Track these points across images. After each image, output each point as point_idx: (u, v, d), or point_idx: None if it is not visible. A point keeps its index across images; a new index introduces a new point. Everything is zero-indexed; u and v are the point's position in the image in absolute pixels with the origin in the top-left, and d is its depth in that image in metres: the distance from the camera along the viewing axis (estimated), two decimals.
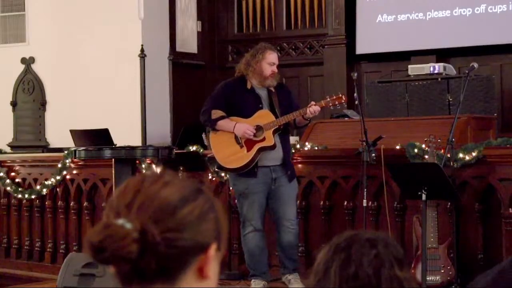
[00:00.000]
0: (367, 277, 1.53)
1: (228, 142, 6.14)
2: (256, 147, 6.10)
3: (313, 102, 6.18)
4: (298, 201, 6.53)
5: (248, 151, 6.11)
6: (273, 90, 6.22)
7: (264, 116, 6.14)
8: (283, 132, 6.22)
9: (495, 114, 8.16)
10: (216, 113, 6.16)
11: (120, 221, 1.40)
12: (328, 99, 6.27)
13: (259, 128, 6.11)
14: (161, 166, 7.38)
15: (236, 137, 6.12)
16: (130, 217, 1.41)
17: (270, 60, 6.18)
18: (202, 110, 6.28)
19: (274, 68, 6.20)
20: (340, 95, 6.27)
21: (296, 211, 6.31)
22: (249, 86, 6.20)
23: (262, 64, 6.16)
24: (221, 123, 6.14)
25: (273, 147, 6.11)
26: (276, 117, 6.13)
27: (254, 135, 6.09)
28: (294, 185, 6.23)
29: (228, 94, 6.23)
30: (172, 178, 1.47)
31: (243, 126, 6.09)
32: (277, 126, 6.13)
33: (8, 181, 8.38)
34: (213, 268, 1.46)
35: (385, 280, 1.55)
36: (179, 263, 1.42)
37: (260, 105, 6.18)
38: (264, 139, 6.11)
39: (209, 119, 6.16)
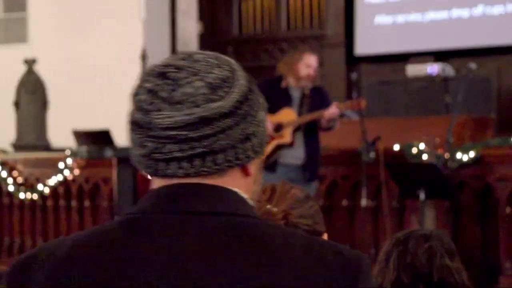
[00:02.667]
0: (421, 266, 1.77)
1: None
2: (274, 143, 6.17)
3: (335, 103, 6.22)
4: None
5: None
6: (307, 92, 6.27)
7: (287, 114, 6.20)
8: (308, 133, 6.24)
9: (493, 115, 8.22)
10: None
11: (268, 206, 1.81)
12: (348, 103, 6.34)
13: (279, 125, 6.18)
14: None
15: None
16: (273, 207, 1.81)
17: (307, 62, 6.23)
18: None
19: (311, 71, 6.24)
20: (360, 100, 6.31)
21: None
22: (284, 85, 6.27)
23: (299, 65, 6.22)
24: None
25: (290, 144, 6.16)
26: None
27: (274, 132, 6.16)
28: (311, 187, 6.25)
29: (261, 91, 6.29)
30: (290, 188, 1.91)
31: None
32: (297, 125, 6.19)
33: (10, 181, 8.42)
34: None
35: (437, 269, 1.81)
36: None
37: (290, 105, 6.24)
38: (282, 136, 6.17)
39: None
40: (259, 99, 1.33)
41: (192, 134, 1.23)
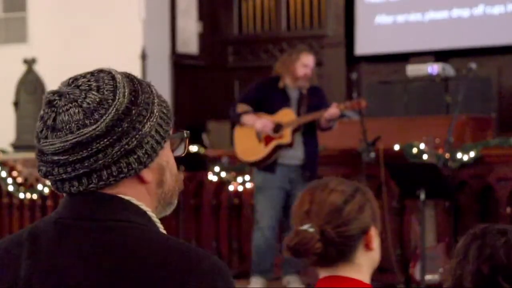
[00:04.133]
0: (499, 258, 1.89)
1: (249, 137, 6.23)
2: (273, 144, 6.17)
3: (334, 104, 6.22)
4: None
5: (265, 146, 6.19)
6: (305, 92, 6.27)
7: (286, 115, 6.20)
8: (307, 133, 6.25)
9: (493, 115, 8.21)
10: (241, 108, 6.25)
11: (305, 227, 1.95)
12: (348, 103, 6.34)
13: (279, 126, 6.18)
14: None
15: (258, 132, 6.21)
16: (311, 222, 1.95)
17: (304, 62, 6.23)
18: (232, 104, 6.43)
19: (308, 70, 6.24)
20: (360, 100, 6.31)
21: None
22: (281, 85, 6.27)
23: (296, 65, 6.21)
24: (245, 118, 6.23)
25: (289, 145, 6.16)
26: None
27: (273, 132, 6.15)
28: None
29: (259, 91, 6.31)
30: (335, 185, 2.00)
31: (263, 122, 6.16)
32: (296, 126, 6.19)
33: (10, 181, 8.42)
34: (375, 241, 2.01)
35: None
36: (351, 245, 1.97)
37: (288, 105, 6.24)
38: (282, 136, 6.17)
39: (234, 113, 6.27)
40: (148, 109, 1.41)
41: (71, 158, 1.37)
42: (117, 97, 1.38)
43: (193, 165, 7.45)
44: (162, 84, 10.40)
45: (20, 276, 1.39)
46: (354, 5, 9.97)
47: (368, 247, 2.00)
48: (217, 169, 7.37)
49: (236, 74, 11.10)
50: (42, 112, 1.41)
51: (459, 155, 6.06)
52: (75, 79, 1.41)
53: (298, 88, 6.27)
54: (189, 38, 10.90)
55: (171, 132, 1.47)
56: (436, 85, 8.53)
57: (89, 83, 1.40)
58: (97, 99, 1.37)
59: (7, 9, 11.07)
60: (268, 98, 6.24)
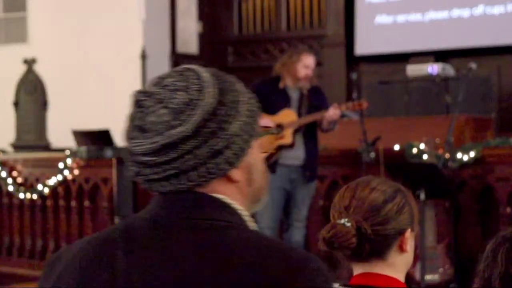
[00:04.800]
0: None
1: None
2: (275, 144, 6.17)
3: (335, 104, 6.22)
4: None
5: None
6: (306, 92, 6.27)
7: (287, 115, 6.20)
8: (308, 134, 6.25)
9: (493, 115, 8.21)
10: None
11: (342, 221, 1.97)
12: (349, 104, 6.34)
13: (280, 126, 6.18)
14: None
15: None
16: (348, 217, 1.97)
17: (305, 62, 6.22)
18: None
19: (309, 71, 6.24)
20: (362, 101, 6.31)
21: (307, 213, 6.35)
22: (281, 86, 6.26)
23: (297, 66, 6.21)
24: None
25: (290, 145, 6.16)
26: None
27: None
28: (311, 186, 6.27)
29: (259, 92, 6.30)
30: (377, 184, 2.06)
31: (263, 122, 6.15)
32: (297, 126, 6.19)
33: (10, 181, 8.42)
34: (410, 244, 2.04)
35: None
36: (386, 244, 2.00)
37: (289, 105, 6.23)
38: (283, 137, 6.17)
39: None
40: (234, 108, 1.40)
41: (160, 159, 1.36)
42: (204, 97, 1.37)
43: None
44: None
45: (117, 274, 1.37)
46: (354, 5, 9.97)
47: (402, 248, 2.04)
48: None
49: (236, 74, 10.97)
50: (131, 112, 1.40)
51: (459, 155, 6.06)
52: (162, 78, 1.40)
53: (298, 89, 6.27)
54: (189, 38, 10.90)
55: (258, 129, 1.46)
56: (436, 85, 8.54)
57: (176, 82, 1.38)
58: (184, 100, 1.36)
59: (7, 9, 11.07)
60: (269, 99, 6.24)
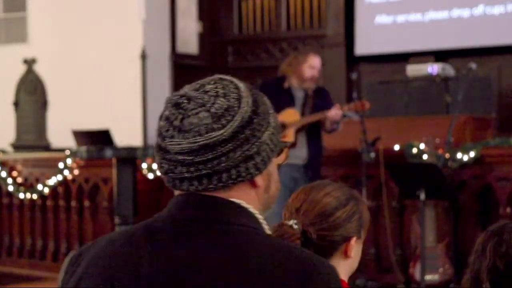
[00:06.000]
0: None
1: None
2: None
3: (337, 105, 6.24)
4: None
5: None
6: (311, 93, 6.28)
7: (290, 115, 6.21)
8: (311, 133, 6.25)
9: (493, 115, 8.21)
10: None
11: (290, 222, 2.00)
12: (351, 105, 6.35)
13: (282, 126, 6.19)
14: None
15: None
16: (298, 219, 2.01)
17: (311, 63, 6.24)
18: None
19: (315, 72, 6.26)
20: (364, 102, 6.33)
21: None
22: (286, 86, 6.28)
23: (303, 66, 6.23)
24: None
25: (292, 145, 6.17)
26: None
27: None
28: None
29: (264, 91, 6.31)
30: (332, 189, 2.07)
31: None
32: (300, 126, 6.20)
33: (10, 180, 8.42)
34: (355, 250, 2.08)
35: None
36: (330, 250, 2.04)
37: (293, 105, 6.24)
38: (285, 136, 6.18)
39: None
40: (266, 119, 1.51)
41: (197, 159, 1.44)
42: (241, 106, 1.47)
43: None
44: (162, 84, 10.40)
45: (142, 274, 1.43)
46: (354, 5, 9.97)
47: (346, 254, 2.07)
48: None
49: (236, 74, 10.97)
50: (167, 112, 1.47)
51: (459, 155, 6.06)
52: (202, 84, 1.49)
53: (304, 89, 6.29)
54: (189, 38, 10.90)
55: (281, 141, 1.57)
56: (436, 85, 8.53)
57: (216, 89, 1.48)
58: (224, 106, 1.46)
59: (7, 9, 11.07)
60: (273, 98, 6.23)
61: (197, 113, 1.45)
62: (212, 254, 1.41)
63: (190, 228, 1.45)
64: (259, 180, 1.50)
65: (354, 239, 2.06)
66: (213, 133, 1.44)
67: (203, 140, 1.43)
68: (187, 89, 1.49)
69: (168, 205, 1.51)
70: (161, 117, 1.49)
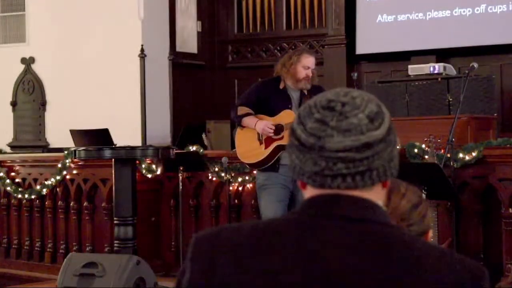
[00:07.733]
0: None
1: (250, 139, 6.24)
2: (274, 145, 6.16)
3: None
4: None
5: (266, 148, 6.19)
6: (306, 93, 6.25)
7: (287, 116, 6.18)
8: None
9: (495, 114, 8.17)
10: (242, 110, 6.25)
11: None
12: None
13: (280, 127, 6.16)
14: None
15: (258, 134, 6.20)
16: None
17: (305, 64, 6.21)
18: (232, 106, 6.41)
19: (309, 72, 6.22)
20: None
21: None
22: (281, 86, 6.25)
23: (297, 67, 6.20)
24: (246, 120, 6.23)
25: None
26: None
27: (274, 133, 6.14)
28: None
29: (260, 93, 6.30)
30: (405, 191, 2.23)
31: (263, 123, 6.16)
32: None
33: (8, 181, 8.39)
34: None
35: None
36: None
37: (290, 106, 6.22)
38: (282, 137, 6.15)
39: (235, 115, 6.27)
40: (392, 126, 1.65)
41: (357, 156, 1.55)
42: (383, 111, 1.61)
43: (193, 166, 7.42)
44: (161, 83, 10.36)
45: (315, 273, 1.52)
46: (355, 4, 9.93)
47: None
48: (216, 169, 7.33)
49: (235, 74, 11.06)
50: (317, 115, 1.57)
51: (460, 155, 6.01)
52: (346, 92, 1.61)
53: (299, 89, 6.25)
54: (189, 38, 10.86)
55: None
56: (437, 84, 8.49)
57: (362, 96, 1.60)
58: (375, 110, 1.59)
59: (6, 8, 11.04)
60: (269, 99, 6.23)
61: (355, 115, 1.56)
62: (377, 258, 1.51)
63: (334, 227, 1.56)
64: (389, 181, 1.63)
65: (430, 232, 2.24)
66: (373, 132, 1.57)
67: (365, 138, 1.55)
68: (331, 95, 1.60)
69: (311, 204, 1.61)
70: (304, 121, 1.59)
